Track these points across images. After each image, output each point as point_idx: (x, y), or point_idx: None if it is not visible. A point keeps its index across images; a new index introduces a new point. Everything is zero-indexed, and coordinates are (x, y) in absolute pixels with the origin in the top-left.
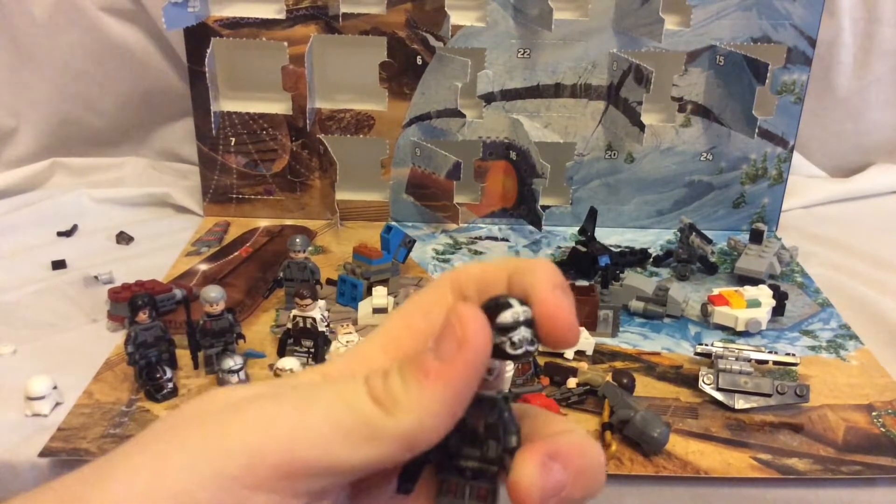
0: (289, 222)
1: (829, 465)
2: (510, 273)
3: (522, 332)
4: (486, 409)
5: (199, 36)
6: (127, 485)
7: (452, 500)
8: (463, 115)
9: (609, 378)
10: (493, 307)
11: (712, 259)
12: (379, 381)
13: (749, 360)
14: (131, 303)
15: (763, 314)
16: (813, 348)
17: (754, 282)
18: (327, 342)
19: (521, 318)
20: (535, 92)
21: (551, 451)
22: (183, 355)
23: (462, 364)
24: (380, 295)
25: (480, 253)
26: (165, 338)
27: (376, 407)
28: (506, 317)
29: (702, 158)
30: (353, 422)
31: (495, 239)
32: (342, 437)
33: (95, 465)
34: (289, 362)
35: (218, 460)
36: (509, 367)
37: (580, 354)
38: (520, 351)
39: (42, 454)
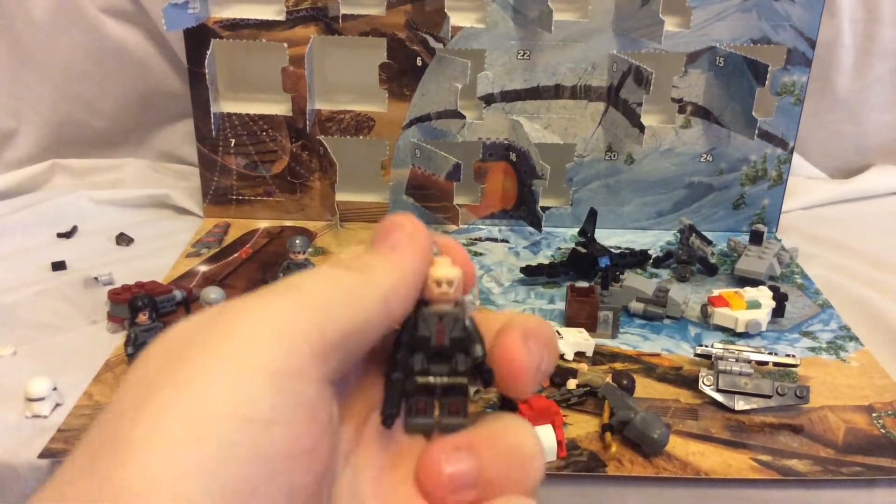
0: (289, 223)
1: (829, 467)
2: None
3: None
4: (448, 323)
5: (198, 37)
6: (163, 428)
7: (424, 419)
8: (463, 117)
9: (609, 379)
10: None
11: (712, 260)
12: (348, 256)
13: (749, 362)
14: (131, 304)
15: (763, 315)
16: (813, 349)
17: (754, 283)
18: None
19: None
20: (534, 93)
21: (523, 332)
22: None
23: (416, 248)
24: None
25: (480, 254)
26: None
27: (355, 273)
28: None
29: (702, 160)
30: (342, 288)
31: (495, 240)
32: (340, 304)
33: (107, 432)
34: None
35: (256, 361)
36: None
37: (580, 355)
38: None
39: (42, 455)
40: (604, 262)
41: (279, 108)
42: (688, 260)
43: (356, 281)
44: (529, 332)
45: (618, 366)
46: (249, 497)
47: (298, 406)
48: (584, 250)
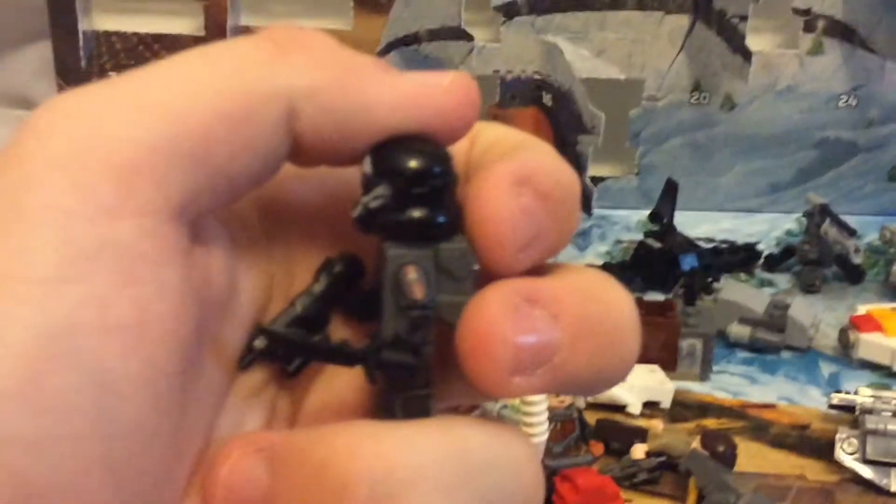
0: None
1: None
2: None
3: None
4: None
5: None
6: None
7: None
8: (470, 38)
9: (696, 444)
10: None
11: (856, 260)
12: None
13: None
14: None
15: None
16: None
17: None
18: None
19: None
20: (581, 1)
21: (519, 176)
22: None
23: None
24: None
25: None
26: None
27: (267, 48)
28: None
29: (840, 104)
30: (229, 63)
31: None
32: (208, 85)
33: None
34: None
35: (38, 198)
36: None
37: (651, 407)
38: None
39: None
40: (688, 262)
41: (184, 23)
42: (818, 259)
43: (260, 56)
44: (524, 175)
45: (710, 423)
46: (44, 378)
47: (103, 256)
48: (657, 244)
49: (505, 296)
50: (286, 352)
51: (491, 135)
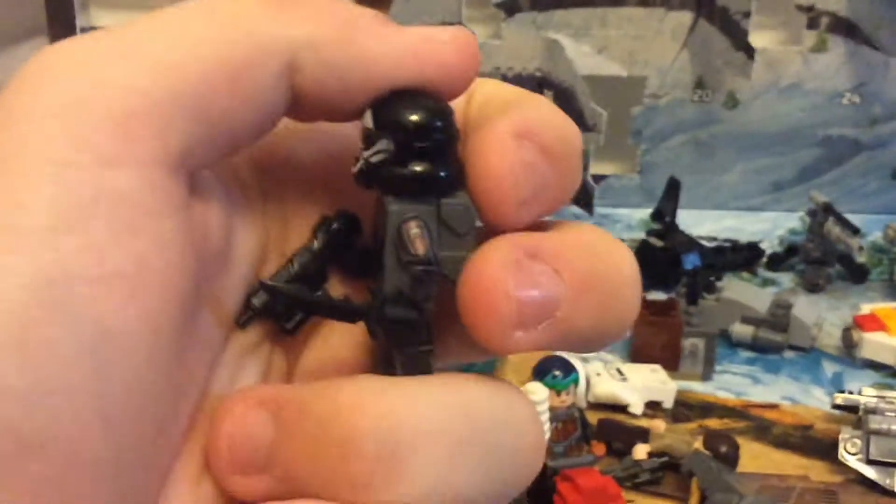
0: None
1: None
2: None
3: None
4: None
5: None
6: None
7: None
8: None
9: (698, 445)
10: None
11: (860, 259)
12: None
13: None
14: None
15: None
16: None
17: None
18: None
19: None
20: None
21: (521, 129)
22: None
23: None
24: None
25: None
26: None
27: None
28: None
29: (844, 101)
30: (225, 17)
31: None
32: (209, 37)
33: None
34: None
35: (36, 147)
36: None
37: (653, 407)
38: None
39: None
40: (691, 261)
41: None
42: (822, 258)
43: (261, 8)
44: (526, 128)
45: (712, 423)
46: (38, 328)
47: (101, 206)
48: (659, 243)
49: (507, 251)
50: (287, 308)
51: (488, 90)
